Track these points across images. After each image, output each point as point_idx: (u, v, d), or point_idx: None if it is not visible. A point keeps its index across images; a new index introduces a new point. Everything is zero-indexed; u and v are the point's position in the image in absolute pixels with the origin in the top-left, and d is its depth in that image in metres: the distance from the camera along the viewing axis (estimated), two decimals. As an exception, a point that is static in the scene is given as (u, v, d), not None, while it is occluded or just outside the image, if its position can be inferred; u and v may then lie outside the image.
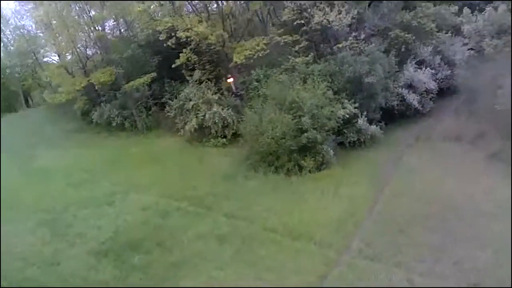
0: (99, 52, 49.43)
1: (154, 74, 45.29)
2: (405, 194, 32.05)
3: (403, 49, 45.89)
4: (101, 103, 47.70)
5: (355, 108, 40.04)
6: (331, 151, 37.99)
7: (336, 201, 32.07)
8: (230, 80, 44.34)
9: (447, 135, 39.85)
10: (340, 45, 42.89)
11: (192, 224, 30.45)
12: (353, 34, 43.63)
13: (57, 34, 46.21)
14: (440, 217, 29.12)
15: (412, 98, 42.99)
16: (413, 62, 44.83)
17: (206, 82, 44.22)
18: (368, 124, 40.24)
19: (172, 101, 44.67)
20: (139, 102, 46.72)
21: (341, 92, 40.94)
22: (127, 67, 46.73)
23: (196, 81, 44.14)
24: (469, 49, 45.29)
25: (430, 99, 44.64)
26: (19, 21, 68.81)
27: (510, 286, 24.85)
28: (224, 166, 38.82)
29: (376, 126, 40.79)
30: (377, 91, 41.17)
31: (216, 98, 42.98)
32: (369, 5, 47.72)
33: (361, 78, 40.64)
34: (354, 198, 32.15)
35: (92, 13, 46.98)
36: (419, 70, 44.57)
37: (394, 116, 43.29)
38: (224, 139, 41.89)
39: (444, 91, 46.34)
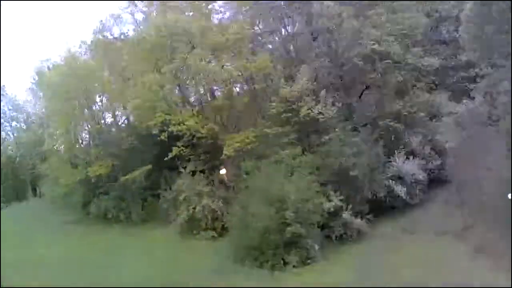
0: (98, 144, 51.58)
1: (150, 166, 46.97)
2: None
3: (392, 139, 46.93)
4: (99, 195, 49.42)
5: (340, 200, 40.74)
6: (316, 246, 38.80)
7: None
8: (223, 171, 45.88)
9: (434, 228, 40.14)
10: (327, 137, 43.93)
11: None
12: (341, 125, 44.83)
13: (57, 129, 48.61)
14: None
15: (400, 190, 43.69)
16: (402, 153, 45.54)
17: (199, 173, 45.62)
18: (353, 218, 41.00)
19: (167, 191, 46.11)
20: (135, 194, 48.23)
21: (327, 184, 41.85)
22: (125, 159, 48.58)
23: (189, 172, 45.58)
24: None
25: (419, 190, 45.19)
26: (31, 110, 72.50)
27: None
28: (211, 260, 39.63)
29: (362, 219, 41.49)
30: (362, 183, 41.93)
31: (207, 190, 44.26)
32: (360, 96, 49.72)
33: (346, 171, 41.49)
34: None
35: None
36: (407, 160, 45.29)
37: (382, 207, 43.76)
38: (214, 232, 42.90)
39: (435, 181, 46.67)
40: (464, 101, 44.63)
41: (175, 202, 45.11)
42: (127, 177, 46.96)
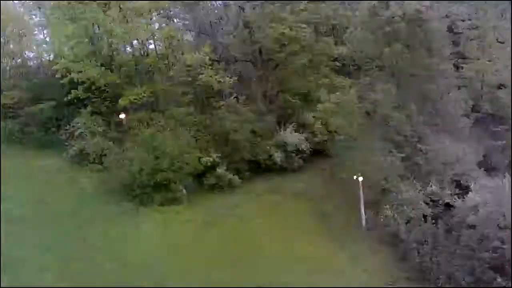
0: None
1: (53, 103, 51.39)
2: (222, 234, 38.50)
3: (289, 112, 51.91)
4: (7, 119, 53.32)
5: (217, 157, 46.29)
6: (184, 190, 43.90)
7: (157, 232, 38.16)
8: (122, 116, 50.27)
9: (294, 190, 45.89)
10: (221, 103, 49.31)
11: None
12: (235, 95, 50.53)
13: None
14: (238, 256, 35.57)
15: (277, 156, 48.75)
16: (292, 125, 50.38)
17: (97, 115, 50.24)
18: (227, 172, 46.11)
19: (66, 126, 50.50)
20: (39, 123, 52.38)
21: (210, 142, 47.34)
22: (35, 93, 53.05)
23: (89, 112, 50.05)
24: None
25: (300, 158, 50.34)
26: None
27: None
28: (89, 189, 44.53)
29: (237, 175, 46.93)
30: (241, 146, 47.33)
31: (101, 129, 48.79)
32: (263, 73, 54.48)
33: (228, 134, 47.08)
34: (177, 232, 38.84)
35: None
36: (295, 132, 50.21)
37: (261, 169, 49.33)
38: (101, 166, 47.33)
39: (320, 153, 51.44)
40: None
41: (72, 136, 49.31)
42: (32, 107, 51.02)
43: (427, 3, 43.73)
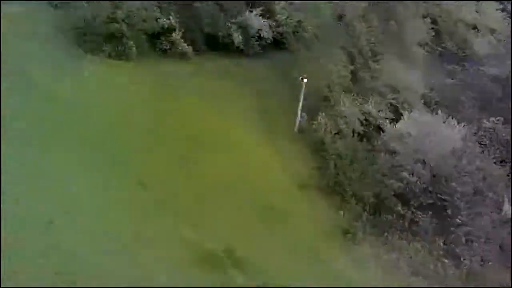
0: None
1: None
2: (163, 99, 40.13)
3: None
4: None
5: (176, 22, 45.78)
6: (135, 48, 43.98)
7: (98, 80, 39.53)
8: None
9: (243, 77, 46.94)
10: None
11: None
12: None
13: None
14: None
15: (237, 37, 48.71)
16: (259, 10, 49.99)
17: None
18: (181, 40, 46.01)
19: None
20: None
21: (172, 4, 46.55)
22: None
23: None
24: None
25: (259, 44, 50.32)
26: None
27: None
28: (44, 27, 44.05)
29: (189, 45, 46.64)
30: (203, 16, 46.93)
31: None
32: None
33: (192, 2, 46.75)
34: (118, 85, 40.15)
35: None
36: (261, 17, 49.98)
37: (218, 46, 49.19)
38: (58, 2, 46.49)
39: (281, 46, 51.45)
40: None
41: None
42: None
43: None
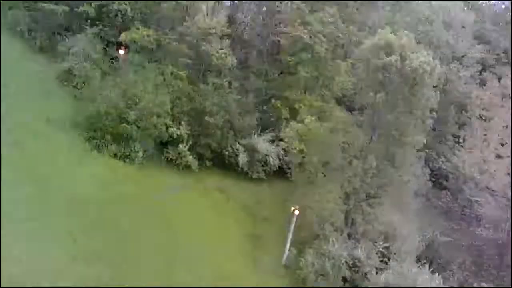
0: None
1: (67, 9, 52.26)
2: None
3: (273, 120, 52.94)
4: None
5: (186, 133, 47.66)
6: (141, 152, 45.68)
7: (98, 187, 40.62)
8: (121, 51, 51.24)
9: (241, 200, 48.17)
10: (212, 80, 50.34)
11: None
12: (229, 79, 51.54)
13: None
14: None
15: (242, 159, 49.94)
16: (270, 135, 51.69)
17: (100, 40, 51.45)
18: (188, 152, 47.52)
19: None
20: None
21: (185, 115, 48.63)
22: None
23: (93, 34, 51.08)
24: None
25: (264, 171, 51.45)
26: None
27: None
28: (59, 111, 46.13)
29: (195, 159, 48.23)
30: (212, 132, 48.89)
31: (95, 57, 49.81)
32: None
33: (204, 114, 48.28)
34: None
35: None
36: (270, 143, 51.41)
37: (224, 163, 50.55)
38: (78, 92, 48.60)
39: (285, 174, 51.82)
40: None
41: (68, 51, 50.25)
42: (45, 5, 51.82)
43: (429, 67, 42.57)
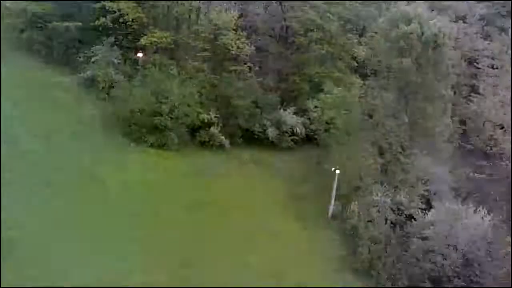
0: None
1: (78, 23, 54.61)
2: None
3: (295, 94, 55.21)
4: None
5: (215, 117, 49.89)
6: (176, 139, 47.70)
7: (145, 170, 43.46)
8: (140, 54, 53.82)
9: (277, 168, 50.04)
10: (233, 68, 52.95)
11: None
12: (249, 64, 53.94)
13: None
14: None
15: (271, 132, 52.00)
16: (293, 108, 53.66)
17: (118, 47, 53.63)
18: (220, 134, 49.74)
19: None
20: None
21: (212, 102, 51.15)
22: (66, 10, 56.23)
23: (109, 43, 53.42)
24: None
25: (292, 140, 53.53)
26: None
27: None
28: (92, 115, 48.82)
29: (227, 138, 50.20)
30: (240, 113, 51.02)
31: (116, 62, 52.39)
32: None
33: (231, 98, 50.90)
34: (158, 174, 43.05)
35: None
36: (295, 115, 53.36)
37: (253, 139, 52.62)
38: (107, 96, 51.10)
39: (313, 141, 54.35)
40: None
41: (88, 61, 52.76)
42: (59, 23, 54.49)
43: (448, 30, 46.44)
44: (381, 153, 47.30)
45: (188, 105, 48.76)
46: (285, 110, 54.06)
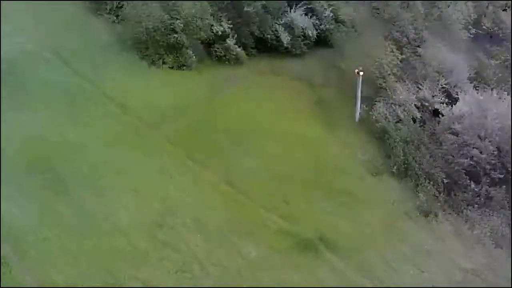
0: None
1: None
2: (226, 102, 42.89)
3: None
4: None
5: (228, 28, 48.27)
6: (194, 57, 46.68)
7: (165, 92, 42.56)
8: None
9: (293, 74, 49.25)
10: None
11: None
12: None
13: None
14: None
15: (285, 37, 50.80)
16: (302, 8, 52.14)
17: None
18: (236, 46, 48.41)
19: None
20: None
21: (222, 11, 48.97)
22: None
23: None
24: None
25: (305, 44, 52.45)
26: None
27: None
28: (105, 39, 47.35)
29: (244, 49, 49.09)
30: (252, 20, 49.38)
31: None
32: None
33: (241, 5, 48.86)
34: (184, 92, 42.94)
35: None
36: (304, 16, 52.08)
37: (267, 47, 51.54)
38: (116, 18, 49.36)
39: (326, 43, 53.53)
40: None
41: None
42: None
43: None
44: (400, 48, 46.84)
45: (201, 18, 46.93)
46: (294, 12, 52.36)
